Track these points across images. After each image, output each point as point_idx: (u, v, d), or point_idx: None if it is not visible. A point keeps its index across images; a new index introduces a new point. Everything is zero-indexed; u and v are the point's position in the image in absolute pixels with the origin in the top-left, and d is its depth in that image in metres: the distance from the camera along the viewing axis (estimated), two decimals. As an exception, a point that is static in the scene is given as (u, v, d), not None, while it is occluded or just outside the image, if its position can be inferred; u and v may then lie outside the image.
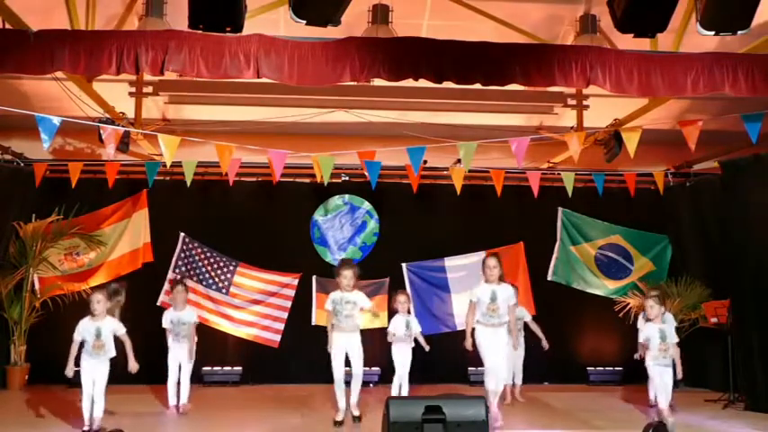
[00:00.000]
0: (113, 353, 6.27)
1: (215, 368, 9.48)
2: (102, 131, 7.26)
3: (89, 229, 9.53)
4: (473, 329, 6.50)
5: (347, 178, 9.89)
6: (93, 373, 6.15)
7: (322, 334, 9.01)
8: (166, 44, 5.67)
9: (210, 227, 9.83)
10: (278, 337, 9.60)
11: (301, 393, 8.61)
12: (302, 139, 8.92)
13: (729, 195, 8.34)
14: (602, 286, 10.14)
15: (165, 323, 7.55)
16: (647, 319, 6.75)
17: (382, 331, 8.13)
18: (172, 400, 7.45)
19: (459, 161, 8.02)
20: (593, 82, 6.04)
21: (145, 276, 9.52)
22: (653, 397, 7.02)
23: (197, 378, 8.24)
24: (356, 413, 6.76)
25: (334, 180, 8.74)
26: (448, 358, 8.95)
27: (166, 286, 9.39)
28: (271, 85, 6.88)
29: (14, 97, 7.79)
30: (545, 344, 8.20)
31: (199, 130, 8.59)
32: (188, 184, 7.92)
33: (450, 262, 9.99)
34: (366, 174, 7.83)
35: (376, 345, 8.45)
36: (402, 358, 7.35)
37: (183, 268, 9.62)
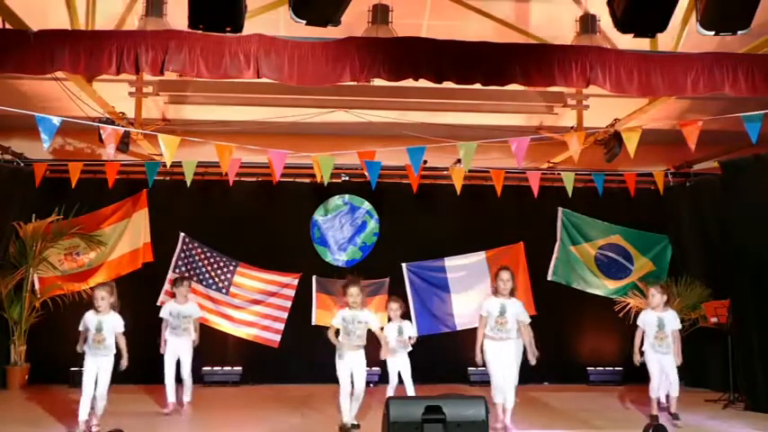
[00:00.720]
0: (114, 350, 6.27)
1: (215, 368, 9.49)
2: (102, 131, 7.25)
3: (89, 229, 9.53)
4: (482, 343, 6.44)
5: (347, 178, 9.89)
6: (97, 370, 6.15)
7: (322, 334, 9.03)
8: (166, 44, 5.67)
9: (210, 227, 9.83)
10: (278, 337, 9.60)
11: (301, 393, 8.61)
12: (302, 139, 8.92)
13: (729, 195, 8.33)
14: (602, 286, 10.13)
15: (164, 314, 7.58)
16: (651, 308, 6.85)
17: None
18: (170, 398, 7.41)
19: (459, 161, 8.01)
20: (593, 82, 6.04)
21: (145, 276, 9.53)
22: (654, 396, 7.00)
23: (197, 378, 8.23)
24: (354, 422, 6.69)
25: (334, 180, 8.74)
26: (448, 358, 8.96)
27: (166, 286, 9.40)
28: (271, 85, 6.87)
29: (14, 97, 7.78)
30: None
31: (199, 130, 8.58)
32: (188, 184, 7.91)
33: (450, 262, 9.99)
34: (366, 174, 7.81)
35: (376, 345, 8.44)
36: (401, 364, 7.19)
37: (183, 268, 9.62)
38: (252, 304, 9.72)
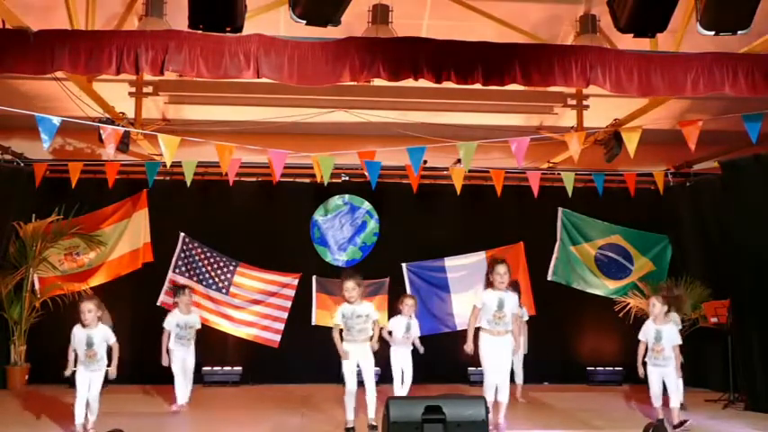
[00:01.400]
0: (106, 361, 6.19)
1: (215, 368, 9.49)
2: (102, 131, 7.25)
3: (89, 229, 9.53)
4: (475, 334, 6.39)
5: (347, 178, 9.88)
6: (90, 378, 6.11)
7: (322, 334, 9.02)
8: (166, 44, 5.66)
9: (210, 227, 9.83)
10: (278, 337, 9.60)
11: (301, 393, 8.61)
12: (302, 139, 8.92)
13: (729, 195, 8.33)
14: (602, 286, 10.14)
15: (170, 326, 7.53)
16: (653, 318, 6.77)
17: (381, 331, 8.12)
18: (180, 400, 7.49)
19: (459, 161, 8.01)
20: (593, 82, 6.04)
21: (145, 276, 9.53)
22: (656, 405, 6.86)
23: (197, 378, 8.23)
24: (374, 424, 6.62)
25: (334, 180, 8.74)
26: (448, 358, 8.94)
27: (166, 286, 9.40)
28: (271, 85, 6.87)
29: (14, 97, 7.78)
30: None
31: (199, 130, 8.58)
32: (188, 184, 7.93)
33: (450, 262, 9.99)
34: (366, 174, 7.83)
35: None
36: (402, 360, 7.33)
37: (183, 268, 9.62)
38: (252, 304, 9.72)
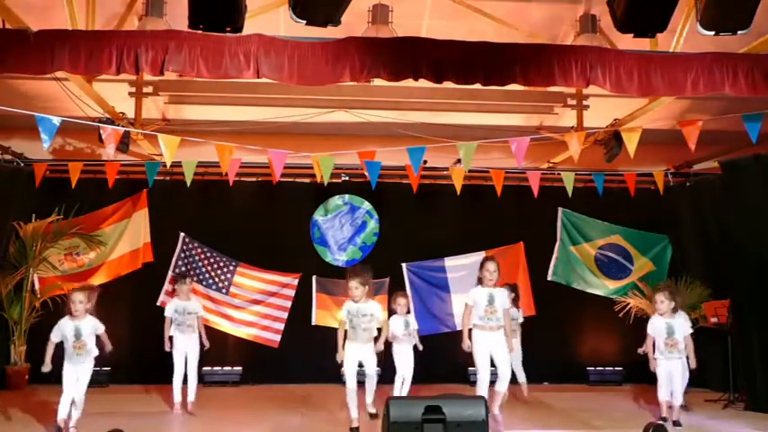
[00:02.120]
0: (96, 352, 6.19)
1: (215, 368, 9.48)
2: (102, 131, 7.26)
3: (89, 229, 9.53)
4: (470, 331, 6.41)
5: (347, 178, 9.88)
6: (77, 375, 6.08)
7: (322, 334, 9.03)
8: (166, 44, 5.66)
9: (210, 227, 9.83)
10: (278, 337, 9.59)
11: (301, 393, 8.61)
12: (302, 139, 8.92)
13: (729, 195, 8.33)
14: (602, 286, 10.13)
15: (170, 312, 7.55)
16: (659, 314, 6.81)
17: (380, 331, 8.12)
18: (177, 397, 7.42)
19: (459, 161, 8.01)
20: (593, 82, 6.04)
21: (145, 276, 9.53)
22: (663, 399, 6.86)
23: (197, 378, 8.22)
24: (372, 411, 6.66)
25: (334, 180, 8.74)
26: (448, 358, 8.93)
27: (166, 286, 9.40)
28: (271, 85, 6.88)
29: (14, 97, 7.79)
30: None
31: (199, 130, 8.58)
32: (188, 184, 7.93)
33: (450, 262, 9.99)
34: (366, 174, 7.82)
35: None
36: (404, 357, 7.39)
37: (183, 268, 9.62)
38: (252, 304, 9.72)
